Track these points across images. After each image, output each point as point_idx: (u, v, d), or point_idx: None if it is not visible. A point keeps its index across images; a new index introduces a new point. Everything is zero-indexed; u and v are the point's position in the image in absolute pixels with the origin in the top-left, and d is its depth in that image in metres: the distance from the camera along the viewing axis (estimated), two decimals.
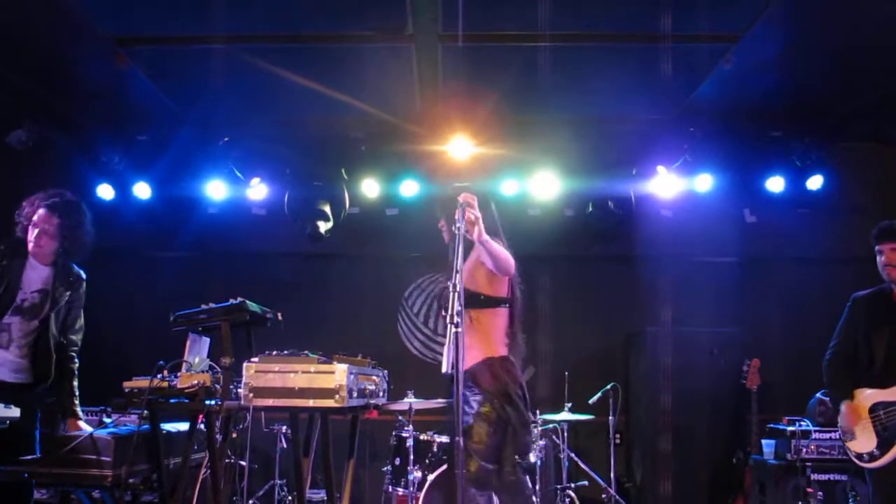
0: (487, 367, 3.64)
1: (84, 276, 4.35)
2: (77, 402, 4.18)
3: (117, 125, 6.90)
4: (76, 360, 4.25)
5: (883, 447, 4.06)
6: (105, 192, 7.16)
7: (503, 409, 3.57)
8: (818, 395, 6.00)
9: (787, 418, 5.89)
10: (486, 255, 3.47)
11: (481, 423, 3.55)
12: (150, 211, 7.32)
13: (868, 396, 4.18)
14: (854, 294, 4.43)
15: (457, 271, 2.86)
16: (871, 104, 6.28)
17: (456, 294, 2.80)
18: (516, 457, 3.66)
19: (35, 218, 4.09)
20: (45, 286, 4.15)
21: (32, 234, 4.09)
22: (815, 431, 5.62)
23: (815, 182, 6.87)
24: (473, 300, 3.62)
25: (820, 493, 5.39)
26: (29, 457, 3.78)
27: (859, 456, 4.18)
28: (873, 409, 4.14)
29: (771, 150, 6.94)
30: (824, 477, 5.47)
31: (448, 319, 2.78)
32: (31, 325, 4.10)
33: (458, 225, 3.03)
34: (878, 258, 4.27)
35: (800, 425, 5.71)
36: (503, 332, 3.78)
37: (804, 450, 5.53)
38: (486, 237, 3.35)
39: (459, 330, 2.75)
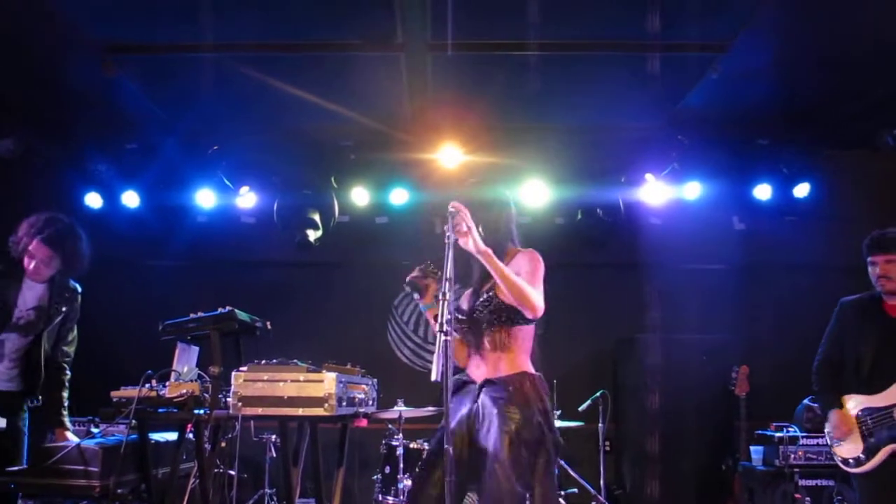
0: (528, 379, 3.32)
1: (79, 289, 4.36)
2: (66, 412, 4.18)
3: (106, 133, 6.87)
4: (68, 372, 4.25)
5: (869, 452, 4.08)
6: (93, 200, 7.13)
7: (541, 431, 3.23)
8: (805, 401, 6.02)
9: (774, 424, 5.92)
10: (495, 275, 3.20)
11: (518, 443, 3.15)
12: (139, 220, 7.30)
13: (856, 403, 4.20)
14: (842, 299, 4.45)
15: (447, 279, 2.85)
16: (859, 111, 6.33)
17: (446, 303, 2.79)
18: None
19: (31, 249, 4.09)
20: (41, 303, 4.18)
21: (30, 265, 4.11)
22: (803, 437, 5.65)
23: (802, 190, 6.92)
24: (507, 314, 3.33)
25: (808, 498, 5.42)
26: (15, 468, 3.76)
27: (846, 461, 4.20)
28: (861, 415, 4.16)
29: (759, 158, 6.98)
30: (812, 483, 5.50)
31: (437, 328, 2.77)
32: (25, 341, 4.12)
33: (447, 234, 3.02)
34: (870, 269, 4.26)
35: (787, 431, 5.74)
36: (531, 351, 3.54)
37: (792, 456, 5.55)
38: (484, 248, 3.15)
39: (449, 338, 2.74)
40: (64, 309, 4.22)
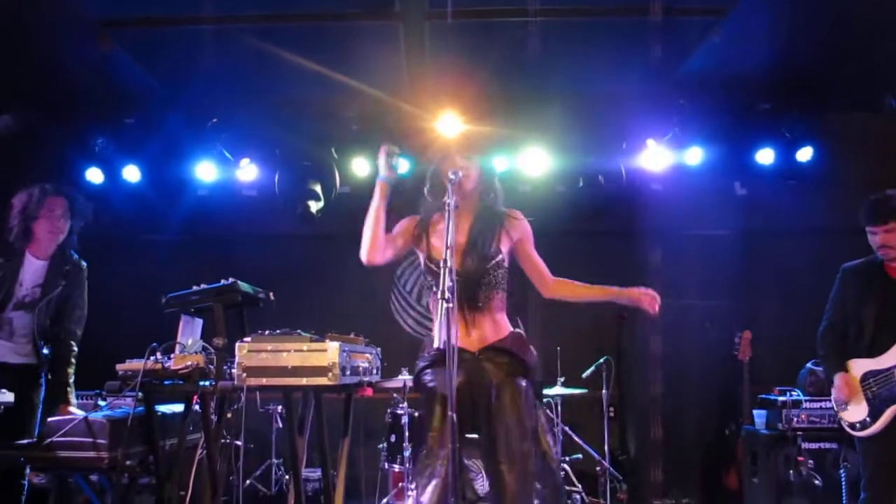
0: (521, 339, 3.42)
1: (84, 264, 4.38)
2: (71, 389, 4.20)
3: (104, 108, 6.85)
4: (75, 349, 4.26)
5: (874, 415, 4.10)
6: (94, 175, 7.12)
7: (540, 388, 3.44)
8: (808, 365, 6.04)
9: (778, 389, 5.94)
10: None
11: (529, 406, 3.23)
12: (140, 194, 7.29)
13: (859, 366, 4.22)
14: (844, 265, 4.44)
15: (448, 247, 2.85)
16: (861, 73, 6.29)
17: (448, 270, 2.79)
18: None
19: (45, 208, 4.14)
20: (42, 279, 4.19)
21: (48, 225, 4.14)
22: (806, 401, 5.67)
23: (804, 154, 6.88)
24: (508, 278, 3.47)
25: (811, 461, 5.45)
26: (24, 441, 3.79)
27: (852, 425, 4.21)
28: (864, 378, 4.17)
29: (760, 123, 6.95)
30: (815, 446, 5.53)
31: (440, 295, 2.76)
32: (33, 318, 4.15)
33: (447, 201, 3.01)
34: (871, 238, 4.22)
35: (790, 395, 5.76)
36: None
37: (795, 419, 5.58)
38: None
39: (450, 305, 2.75)
40: (63, 282, 4.22)
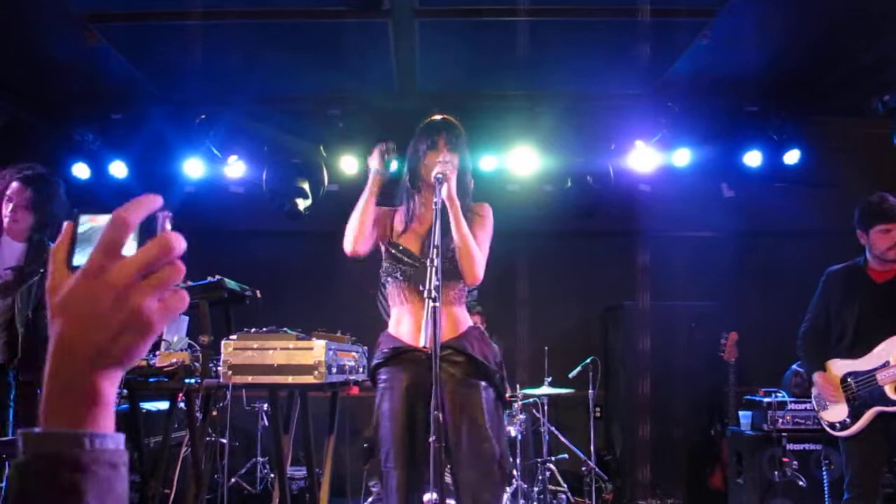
0: (479, 333, 3.26)
1: None
2: None
3: (91, 103, 6.81)
4: None
5: (854, 415, 4.13)
6: (81, 171, 7.07)
7: (502, 384, 3.20)
8: (794, 366, 6.07)
9: (763, 390, 5.97)
10: (455, 226, 3.10)
11: (493, 406, 3.13)
12: (127, 190, 7.23)
13: (839, 367, 4.24)
14: (828, 269, 4.47)
15: (435, 246, 2.84)
16: (848, 77, 6.31)
17: (434, 269, 2.77)
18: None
19: (8, 192, 4.04)
20: (19, 262, 4.11)
21: (7, 209, 4.03)
22: (791, 402, 5.70)
23: (791, 156, 6.92)
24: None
25: (795, 462, 5.48)
26: (5, 438, 3.76)
27: (832, 425, 4.24)
28: (844, 378, 4.20)
29: (748, 125, 6.98)
30: (799, 447, 5.56)
31: (427, 294, 2.74)
32: (5, 304, 4.06)
33: (435, 199, 2.99)
34: (874, 238, 4.13)
35: (776, 397, 5.79)
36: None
37: (780, 420, 5.60)
38: (454, 195, 3.11)
39: (437, 304, 2.73)
40: (42, 270, 4.15)
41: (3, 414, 4.02)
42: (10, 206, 4.03)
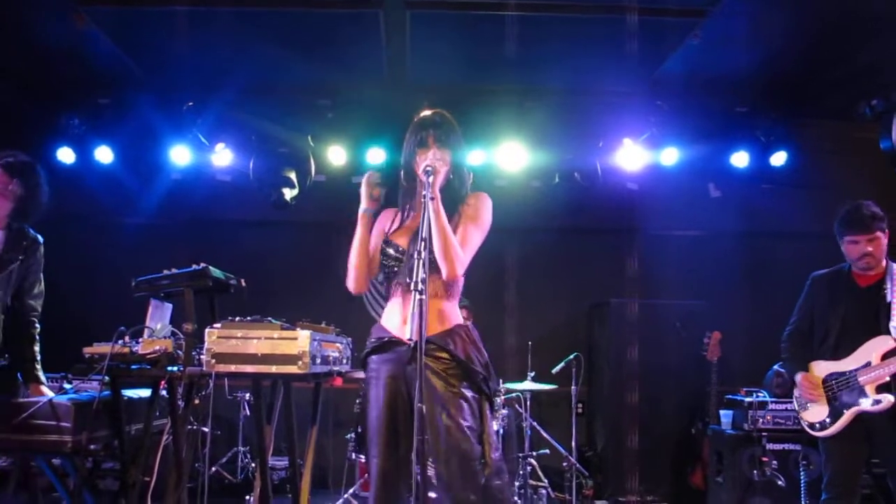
0: (464, 332, 3.15)
1: (41, 239, 4.25)
2: (39, 367, 4.10)
3: (78, 88, 6.76)
4: (37, 325, 4.16)
5: (834, 416, 4.15)
6: (65, 155, 7.00)
7: (486, 383, 3.09)
8: (775, 367, 6.11)
9: (744, 389, 6.01)
10: (434, 218, 2.98)
11: (472, 404, 3.04)
12: (112, 176, 7.20)
13: (822, 368, 4.27)
14: (812, 274, 4.49)
15: (423, 239, 2.83)
16: (837, 81, 6.35)
17: (421, 262, 2.76)
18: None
19: None
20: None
21: None
22: (772, 402, 5.74)
23: (778, 158, 6.96)
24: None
25: (774, 461, 5.52)
26: None
27: (812, 425, 4.27)
28: (826, 380, 4.23)
29: (736, 126, 7.02)
30: (779, 446, 5.60)
31: (413, 287, 2.73)
32: None
33: (424, 193, 2.98)
34: (850, 247, 4.18)
35: (757, 396, 5.83)
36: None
37: (760, 420, 5.64)
38: (437, 194, 3.02)
39: (424, 297, 2.72)
40: (21, 258, 4.11)
41: None
42: None
